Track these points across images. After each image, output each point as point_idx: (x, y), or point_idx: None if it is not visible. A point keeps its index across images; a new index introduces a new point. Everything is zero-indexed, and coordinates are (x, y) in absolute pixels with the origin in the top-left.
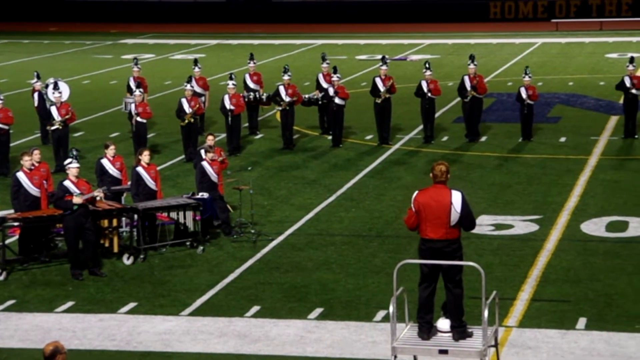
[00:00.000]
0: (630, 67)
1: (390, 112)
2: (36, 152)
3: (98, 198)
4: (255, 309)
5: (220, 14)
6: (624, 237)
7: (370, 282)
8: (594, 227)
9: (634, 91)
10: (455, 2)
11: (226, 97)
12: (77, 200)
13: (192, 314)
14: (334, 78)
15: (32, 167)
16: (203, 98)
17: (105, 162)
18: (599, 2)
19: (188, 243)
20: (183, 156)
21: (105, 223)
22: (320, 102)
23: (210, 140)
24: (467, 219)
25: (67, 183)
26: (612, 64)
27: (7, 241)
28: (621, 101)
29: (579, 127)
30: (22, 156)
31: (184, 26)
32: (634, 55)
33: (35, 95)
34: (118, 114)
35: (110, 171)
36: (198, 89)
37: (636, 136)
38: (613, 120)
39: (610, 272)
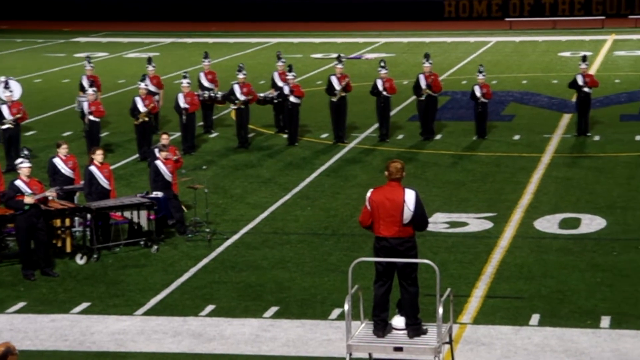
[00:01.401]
0: (583, 66)
1: (346, 111)
2: None
3: (50, 198)
4: (210, 308)
5: (174, 12)
6: (577, 234)
7: (326, 280)
8: (547, 224)
9: (586, 89)
10: (410, 0)
11: (180, 96)
12: (28, 200)
13: (146, 313)
14: (289, 76)
15: None
16: (157, 97)
17: (57, 161)
18: (552, 1)
19: (142, 242)
20: (137, 155)
21: (58, 223)
22: (275, 101)
23: (164, 139)
24: (420, 218)
25: (18, 183)
26: (564, 62)
27: None
28: (574, 99)
29: (532, 125)
30: None
31: (138, 24)
32: (587, 53)
33: None
34: (71, 113)
35: (63, 170)
36: (152, 88)
37: (588, 134)
38: (566, 118)
39: (563, 268)
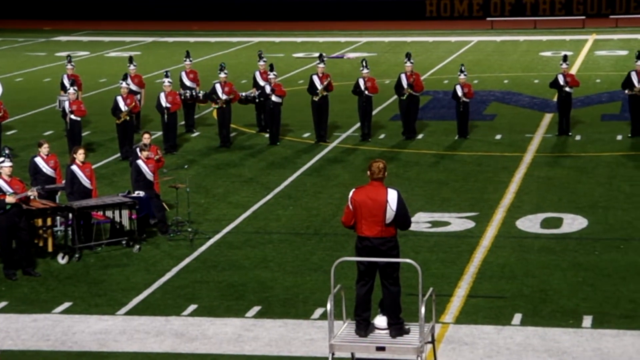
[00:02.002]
0: (564, 65)
1: (328, 110)
2: None
3: (32, 197)
4: (192, 307)
5: (156, 12)
6: (559, 234)
7: (308, 279)
8: (529, 223)
9: (567, 89)
10: (391, 0)
11: (162, 95)
12: (10, 199)
13: (128, 313)
14: (271, 76)
15: None
16: (139, 96)
17: (39, 160)
18: (533, 1)
19: (124, 242)
20: (118, 154)
21: (40, 222)
22: (257, 100)
23: (146, 138)
24: (402, 218)
25: None
26: (546, 62)
27: None
28: (555, 99)
29: (514, 124)
30: None
31: (119, 23)
32: (567, 53)
33: None
34: (52, 112)
35: (44, 170)
36: (134, 87)
37: (570, 133)
38: (547, 117)
39: (545, 268)
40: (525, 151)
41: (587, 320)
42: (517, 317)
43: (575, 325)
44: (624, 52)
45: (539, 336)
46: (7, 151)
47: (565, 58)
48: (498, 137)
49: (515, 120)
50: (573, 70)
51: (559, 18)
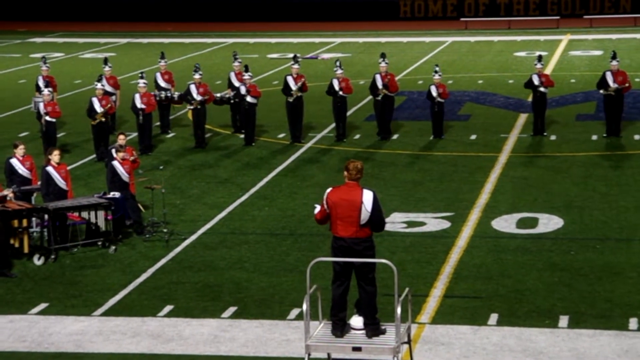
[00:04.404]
0: (539, 65)
1: (302, 111)
2: None
3: (8, 198)
4: (168, 308)
5: (130, 13)
6: (534, 234)
7: (284, 280)
8: (505, 223)
9: (542, 89)
10: (365, 1)
11: (137, 96)
12: None
13: (104, 314)
14: (246, 77)
15: None
16: (114, 97)
17: (14, 161)
18: (507, 1)
19: (100, 243)
20: (94, 155)
21: (16, 223)
22: (232, 101)
23: (121, 139)
24: (377, 219)
25: None
26: (520, 62)
27: None
28: (530, 99)
29: (489, 124)
30: None
31: (94, 25)
32: (542, 53)
33: None
34: (27, 114)
35: (20, 171)
36: (109, 88)
37: (545, 133)
38: (522, 117)
39: (520, 268)
40: (500, 151)
41: (564, 321)
42: (494, 317)
43: (551, 325)
44: (598, 52)
45: (515, 336)
46: None
47: (539, 58)
48: (473, 137)
49: (490, 120)
50: (548, 71)
51: (533, 18)
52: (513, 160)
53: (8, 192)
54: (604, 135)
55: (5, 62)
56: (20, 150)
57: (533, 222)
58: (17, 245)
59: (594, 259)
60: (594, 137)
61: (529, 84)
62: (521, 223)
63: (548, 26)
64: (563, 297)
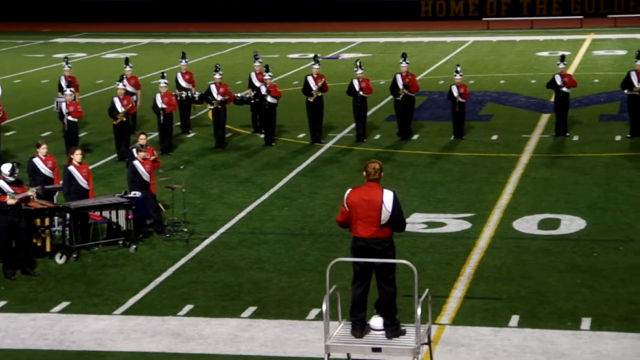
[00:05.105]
0: (561, 65)
1: (323, 111)
2: None
3: (31, 197)
4: (188, 307)
5: (151, 13)
6: (556, 235)
7: (303, 280)
8: (526, 224)
9: (565, 89)
10: (386, 0)
11: (158, 96)
12: (10, 201)
13: (125, 313)
14: (266, 77)
15: None
16: (135, 97)
17: (37, 161)
18: (530, 1)
19: (120, 242)
20: (115, 155)
21: (38, 222)
22: (252, 101)
23: (142, 139)
24: (397, 219)
25: (0, 183)
26: (543, 62)
27: None
28: (552, 99)
29: (510, 125)
30: None
31: (116, 25)
32: (565, 53)
33: None
34: (49, 113)
35: (42, 170)
36: (130, 88)
37: (567, 134)
38: (544, 118)
39: (542, 269)
40: (522, 152)
41: (586, 323)
42: (515, 319)
43: (573, 327)
44: (622, 52)
45: (537, 338)
46: (17, 171)
47: (562, 58)
48: (494, 137)
49: (512, 120)
50: (570, 70)
51: (556, 18)
52: (535, 161)
53: (31, 192)
54: (628, 135)
55: (28, 62)
56: (42, 150)
57: (555, 223)
58: (39, 244)
59: (617, 261)
60: (618, 138)
61: (552, 84)
62: (543, 224)
63: (571, 25)
64: (585, 299)
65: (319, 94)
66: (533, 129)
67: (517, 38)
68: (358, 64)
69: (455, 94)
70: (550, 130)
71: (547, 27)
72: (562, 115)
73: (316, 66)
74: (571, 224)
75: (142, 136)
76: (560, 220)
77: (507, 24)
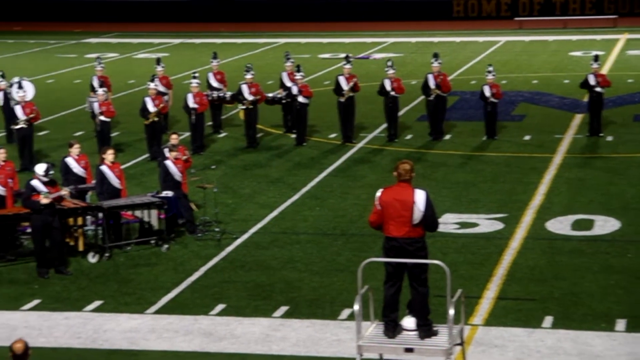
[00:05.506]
0: (595, 65)
1: (354, 111)
2: (1, 151)
3: (64, 197)
4: (220, 307)
5: (183, 13)
6: (590, 236)
7: (335, 280)
8: (560, 225)
9: (598, 89)
10: (418, 0)
11: (190, 96)
12: (44, 200)
13: (157, 312)
14: (298, 76)
15: None
16: (167, 97)
17: (69, 160)
18: (563, 0)
19: (153, 241)
20: (147, 155)
21: (71, 221)
22: (283, 101)
23: (174, 139)
24: (430, 218)
25: (34, 182)
26: (576, 62)
27: None
28: (586, 99)
29: (543, 125)
30: None
31: (148, 25)
32: (598, 53)
33: (0, 94)
34: (82, 113)
35: (75, 170)
36: (162, 88)
37: (601, 134)
38: (578, 118)
39: (576, 270)
40: (554, 152)
41: (621, 324)
42: (548, 320)
43: (607, 328)
44: None
45: (571, 339)
46: (51, 172)
47: (596, 58)
48: (527, 137)
49: (545, 120)
50: (604, 70)
51: (589, 17)
52: (568, 161)
53: (65, 192)
54: None
55: (61, 63)
56: (75, 150)
57: (589, 224)
58: (72, 243)
59: None
60: None
61: (585, 84)
62: (576, 225)
63: (605, 25)
64: (620, 300)
65: (351, 94)
66: (566, 129)
67: (550, 38)
68: (389, 64)
69: (488, 94)
70: (584, 131)
71: (580, 27)
72: (596, 115)
73: (348, 66)
74: (605, 224)
75: (174, 136)
76: (594, 221)
77: (540, 23)
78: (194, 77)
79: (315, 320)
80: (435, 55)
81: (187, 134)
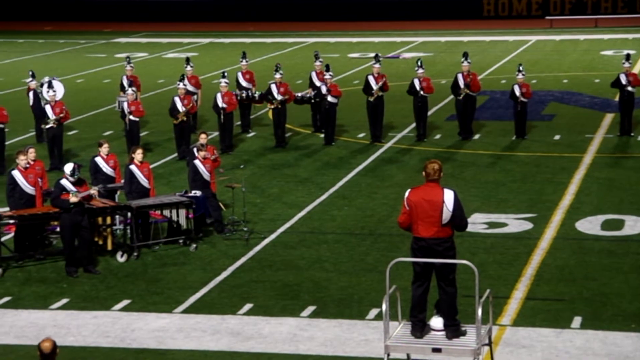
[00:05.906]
0: (626, 65)
1: (383, 110)
2: (31, 150)
3: (93, 196)
4: (248, 306)
5: (212, 13)
6: (620, 236)
7: (363, 280)
8: (589, 225)
9: (630, 88)
10: None
11: (219, 96)
12: (73, 199)
13: (185, 311)
14: (327, 76)
15: (28, 166)
16: (196, 96)
17: (99, 160)
18: None
19: (181, 241)
20: (176, 154)
21: (100, 221)
22: (312, 100)
23: (202, 138)
24: (459, 218)
25: (63, 182)
26: (607, 61)
27: (3, 239)
28: (617, 99)
29: (573, 124)
30: (17, 155)
31: (177, 25)
32: (630, 52)
33: (30, 94)
34: (111, 113)
35: (104, 169)
36: (191, 88)
37: (632, 134)
38: (608, 117)
39: (605, 271)
40: (585, 152)
41: None
42: (577, 321)
43: (637, 329)
44: None
45: (600, 340)
46: (77, 173)
47: (627, 57)
48: (557, 137)
49: (575, 120)
50: (636, 70)
51: (621, 16)
52: (598, 161)
53: (94, 191)
54: None
55: (90, 62)
56: (104, 149)
57: (619, 224)
58: (100, 242)
59: None
60: None
61: (616, 83)
62: (606, 225)
63: (637, 24)
64: None
65: (380, 94)
66: (597, 128)
67: (581, 37)
68: (419, 63)
69: (518, 93)
70: (615, 130)
71: (612, 26)
72: (627, 114)
73: (377, 65)
74: (635, 224)
75: (203, 135)
76: (624, 221)
77: (571, 22)
78: (223, 77)
79: (342, 320)
80: (465, 55)
81: (216, 133)
